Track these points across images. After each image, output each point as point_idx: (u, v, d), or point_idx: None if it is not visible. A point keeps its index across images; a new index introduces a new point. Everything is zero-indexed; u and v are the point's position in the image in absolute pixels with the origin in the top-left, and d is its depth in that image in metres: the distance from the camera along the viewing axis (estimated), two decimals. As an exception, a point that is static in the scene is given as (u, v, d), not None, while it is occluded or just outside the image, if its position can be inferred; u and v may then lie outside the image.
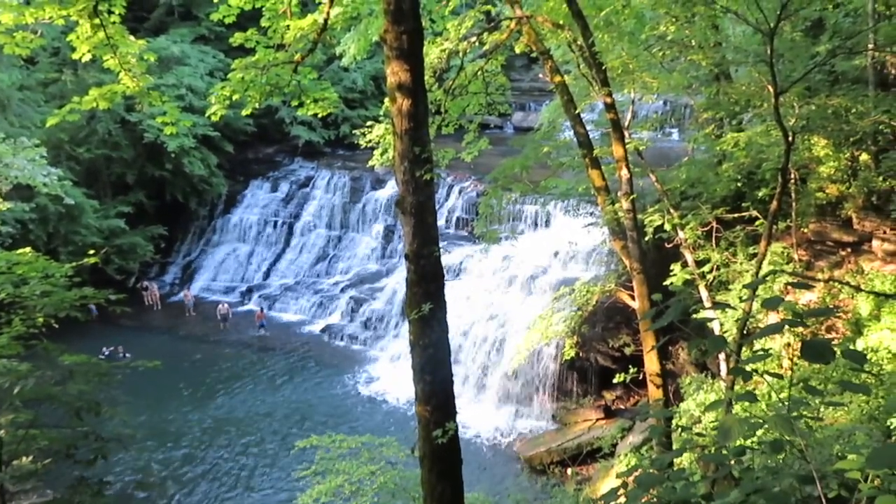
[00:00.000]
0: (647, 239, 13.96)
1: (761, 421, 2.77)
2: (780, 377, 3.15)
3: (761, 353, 2.91)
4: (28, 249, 7.96)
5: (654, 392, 11.61)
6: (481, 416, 23.09)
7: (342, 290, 32.30)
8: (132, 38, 8.88)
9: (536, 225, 28.03)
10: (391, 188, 33.95)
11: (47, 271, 7.70)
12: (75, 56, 8.67)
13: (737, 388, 9.72)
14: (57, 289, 7.67)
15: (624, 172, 11.60)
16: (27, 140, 19.36)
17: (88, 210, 30.42)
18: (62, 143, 30.34)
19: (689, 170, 15.06)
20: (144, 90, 9.04)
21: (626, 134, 12.96)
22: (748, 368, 2.88)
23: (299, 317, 32.03)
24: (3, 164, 17.79)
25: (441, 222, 29.90)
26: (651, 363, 11.66)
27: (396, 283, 30.15)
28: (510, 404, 23.77)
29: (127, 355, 26.32)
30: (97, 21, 8.32)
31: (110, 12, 8.41)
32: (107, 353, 26.19)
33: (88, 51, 8.47)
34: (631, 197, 11.61)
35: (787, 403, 2.74)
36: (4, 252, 8.00)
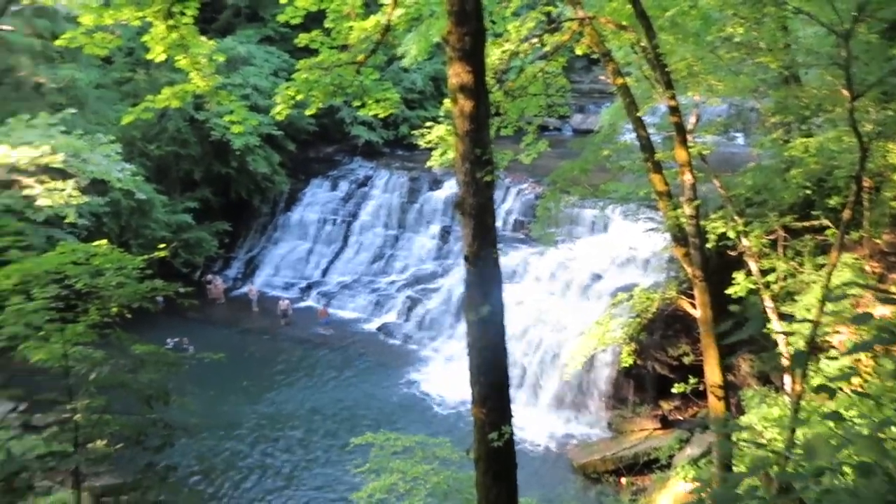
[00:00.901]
0: (709, 246, 13.63)
1: (846, 441, 2.65)
2: (868, 396, 3.03)
3: (848, 370, 2.79)
4: (104, 242, 8.32)
5: (715, 404, 11.33)
6: (535, 421, 22.95)
7: (398, 290, 32.59)
8: (203, 38, 9.20)
9: (594, 229, 27.68)
10: (448, 189, 34.07)
11: (121, 263, 8.04)
12: (150, 56, 9.02)
13: (803, 403, 9.40)
14: (130, 280, 8.00)
15: (687, 177, 11.36)
16: (103, 136, 20.20)
17: (158, 205, 31.54)
18: (135, 139, 31.53)
19: (756, 175, 14.62)
20: (213, 89, 9.34)
21: (690, 138, 12.69)
22: (832, 385, 2.77)
23: (356, 314, 32.47)
24: (82, 159, 18.59)
25: (498, 224, 29.87)
26: (712, 374, 11.39)
27: (452, 283, 30.25)
28: (564, 410, 23.56)
29: (191, 347, 27.17)
30: (171, 22, 8.64)
31: (183, 14, 8.72)
32: (171, 344, 27.05)
33: (162, 51, 8.80)
34: (694, 202, 11.37)
35: (875, 423, 2.62)
36: (82, 244, 8.39)
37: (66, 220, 19.42)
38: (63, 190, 17.93)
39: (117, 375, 7.50)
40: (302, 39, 9.86)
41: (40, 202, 17.96)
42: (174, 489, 8.31)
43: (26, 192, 17.82)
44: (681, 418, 21.79)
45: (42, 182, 17.81)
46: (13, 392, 11.21)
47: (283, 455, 22.25)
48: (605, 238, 26.60)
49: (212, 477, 21.04)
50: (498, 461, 7.38)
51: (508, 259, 27.59)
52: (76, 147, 18.44)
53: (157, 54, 8.85)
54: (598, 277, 25.19)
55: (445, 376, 25.98)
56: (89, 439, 7.37)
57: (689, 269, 11.84)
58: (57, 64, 28.02)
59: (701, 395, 15.12)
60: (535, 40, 11.76)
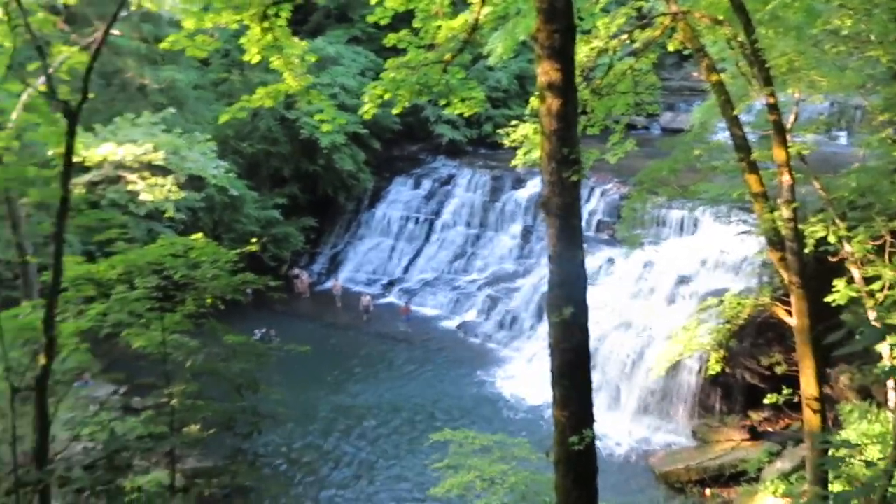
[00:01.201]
0: (807, 251, 12.97)
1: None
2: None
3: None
4: (200, 235, 8.71)
5: (811, 417, 10.77)
6: (616, 426, 22.51)
7: (479, 288, 32.65)
8: (295, 39, 9.48)
9: (682, 231, 26.88)
10: (532, 188, 33.86)
11: (216, 256, 8.40)
12: (246, 58, 9.36)
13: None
14: (223, 273, 8.34)
15: (785, 178, 10.85)
16: (200, 135, 21.11)
17: (249, 201, 32.78)
18: (228, 138, 32.85)
19: (860, 177, 13.80)
20: (304, 89, 9.60)
21: (789, 136, 12.10)
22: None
23: (436, 312, 32.73)
24: (181, 156, 19.50)
25: (582, 224, 29.37)
26: (808, 386, 10.84)
27: (533, 283, 30.04)
28: (647, 416, 23.00)
29: (277, 338, 28.12)
30: (266, 25, 8.95)
31: (277, 16, 9.01)
32: (258, 335, 28.04)
33: (258, 52, 9.12)
34: (792, 205, 10.84)
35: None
36: (180, 237, 8.82)
37: (166, 215, 20.44)
38: (163, 186, 18.87)
39: (211, 363, 7.85)
40: (390, 39, 10.01)
41: (143, 197, 18.96)
42: (260, 474, 8.63)
43: (130, 187, 18.86)
44: (771, 430, 20.88)
45: (144, 178, 18.80)
46: (116, 376, 11.94)
47: (361, 446, 22.70)
48: (694, 240, 25.78)
49: (293, 464, 21.71)
50: (578, 465, 7.27)
51: (592, 260, 27.14)
52: (176, 145, 19.38)
53: (253, 55, 9.18)
54: (685, 281, 24.44)
55: (525, 377, 25.84)
56: (184, 423, 7.75)
57: (785, 275, 11.30)
58: (159, 66, 29.55)
59: (794, 406, 14.42)
60: (624, 37, 11.50)
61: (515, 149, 13.77)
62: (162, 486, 7.68)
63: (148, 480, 7.75)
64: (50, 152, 13.71)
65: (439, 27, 9.94)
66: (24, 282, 14.65)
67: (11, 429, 7.15)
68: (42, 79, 9.35)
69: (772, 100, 10.87)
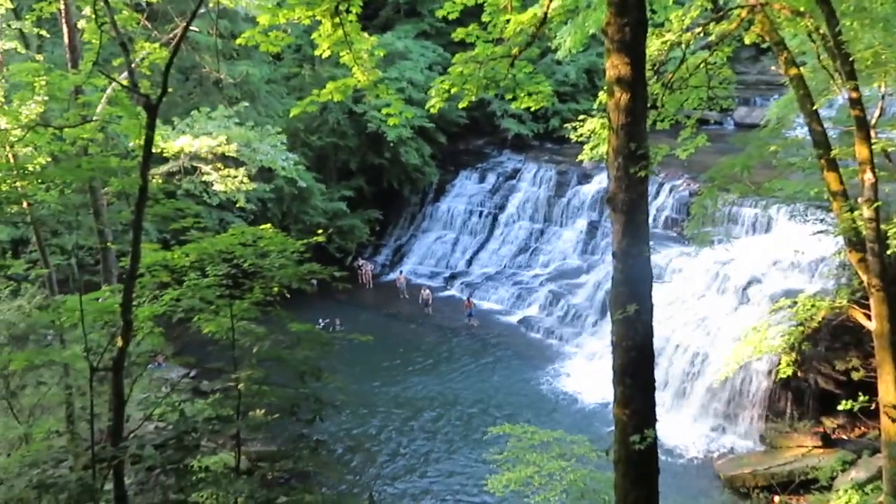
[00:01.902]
0: (889, 252, 12.33)
1: None
2: None
3: None
4: (269, 226, 8.92)
5: (889, 426, 10.27)
6: (679, 427, 21.99)
7: (541, 284, 32.41)
8: (365, 34, 9.57)
9: (755, 229, 26.00)
10: (597, 183, 33.36)
11: (283, 246, 8.58)
12: (317, 52, 9.51)
13: None
14: (290, 262, 8.52)
15: (868, 176, 10.34)
16: (271, 128, 21.66)
17: (317, 193, 33.44)
18: (298, 131, 33.55)
19: (951, 176, 13.02)
20: (373, 83, 9.69)
21: (873, 133, 11.52)
22: None
23: (498, 306, 32.67)
24: (252, 148, 20.07)
25: (649, 221, 28.77)
26: (887, 393, 10.33)
27: (597, 279, 29.64)
28: (712, 418, 22.38)
29: (342, 328, 28.61)
30: (337, 20, 9.07)
31: (348, 11, 9.12)
32: (322, 324, 28.59)
33: (328, 47, 9.25)
34: (875, 204, 10.32)
35: None
36: (249, 227, 9.05)
37: (237, 205, 21.06)
38: (235, 177, 19.47)
39: (276, 350, 8.04)
40: (458, 34, 9.98)
41: (216, 187, 19.62)
42: (320, 460, 8.80)
43: (205, 178, 19.52)
44: (846, 438, 20.00)
45: (218, 169, 19.43)
46: (187, 360, 12.39)
47: (418, 437, 22.91)
48: (767, 239, 24.91)
49: (352, 451, 22.11)
50: (639, 465, 7.14)
51: (659, 257, 26.57)
52: (248, 137, 19.95)
53: (324, 50, 9.32)
54: (756, 281, 23.63)
55: (587, 374, 25.54)
56: (249, 408, 7.97)
57: (864, 277, 10.79)
58: (234, 61, 30.42)
59: (871, 414, 13.78)
60: (698, 30, 11.16)
61: (582, 143, 13.59)
62: (227, 468, 7.93)
63: (214, 462, 8.00)
64: (130, 144, 14.31)
65: (508, 21, 9.86)
66: (103, 267, 15.36)
67: (90, 406, 7.52)
68: (125, 74, 9.74)
69: (855, 94, 10.38)
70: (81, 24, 13.93)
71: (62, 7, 14.40)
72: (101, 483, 6.72)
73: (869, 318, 10.89)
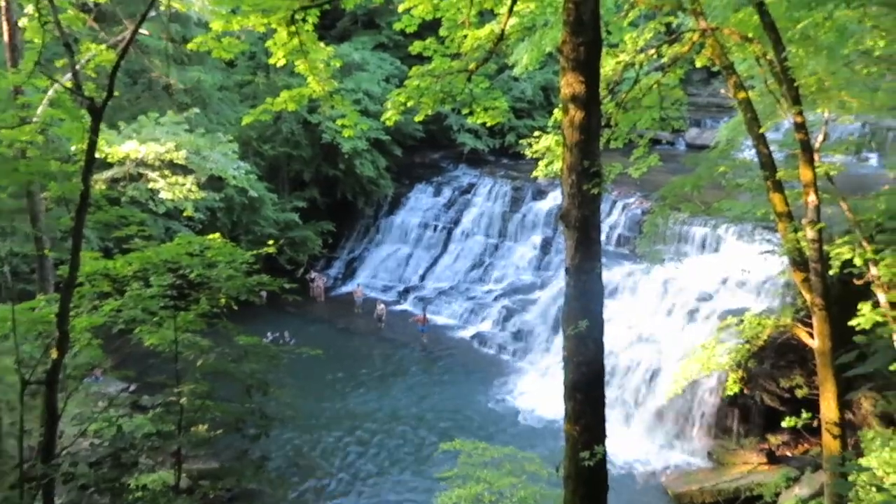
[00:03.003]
0: (832, 273, 12.78)
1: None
2: None
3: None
4: (217, 235, 8.78)
5: (830, 442, 10.58)
6: (628, 443, 22.26)
7: (495, 299, 32.53)
8: (321, 44, 9.53)
9: (704, 248, 26.60)
10: (552, 200, 33.73)
11: (232, 257, 8.45)
12: (272, 61, 9.44)
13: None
14: (239, 274, 8.39)
15: (811, 198, 10.72)
16: (223, 136, 21.37)
17: (268, 203, 32.97)
18: (251, 139, 33.12)
19: (891, 200, 13.55)
20: (328, 94, 9.65)
21: (817, 157, 11.96)
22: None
23: (451, 321, 32.64)
24: (202, 156, 19.74)
25: (602, 238, 29.27)
26: (828, 410, 10.65)
27: (550, 296, 29.87)
28: (661, 434, 22.73)
29: (291, 341, 28.22)
30: (293, 29, 9.00)
31: (305, 20, 9.07)
32: (271, 337, 28.08)
33: (283, 56, 9.18)
34: (817, 226, 10.70)
35: None
36: (197, 236, 8.87)
37: (184, 214, 20.69)
38: (183, 185, 19.10)
39: (222, 364, 7.88)
40: (416, 47, 10.04)
41: (162, 195, 19.20)
42: (266, 477, 8.62)
43: (151, 185, 19.09)
44: (790, 455, 20.53)
45: (165, 176, 19.03)
46: (126, 373, 12.03)
47: (369, 453, 22.66)
48: (716, 258, 25.52)
49: (300, 468, 21.69)
50: (589, 481, 7.19)
51: (611, 274, 26.97)
52: (198, 145, 19.62)
53: (279, 59, 9.25)
54: (706, 299, 24.18)
55: (539, 390, 25.67)
56: (192, 423, 7.77)
57: (808, 296, 11.14)
58: (186, 66, 29.91)
59: (814, 431, 14.19)
60: (652, 51, 11.45)
61: (537, 160, 13.74)
62: (166, 486, 7.70)
63: (153, 480, 7.76)
64: (73, 148, 13.89)
65: (465, 36, 9.97)
66: (39, 275, 14.86)
67: (20, 422, 7.21)
68: (69, 75, 9.47)
69: (800, 119, 10.76)
70: (23, 22, 13.52)
71: (3, 4, 13.97)
72: (29, 503, 6.44)
73: (812, 336, 11.24)
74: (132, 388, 21.78)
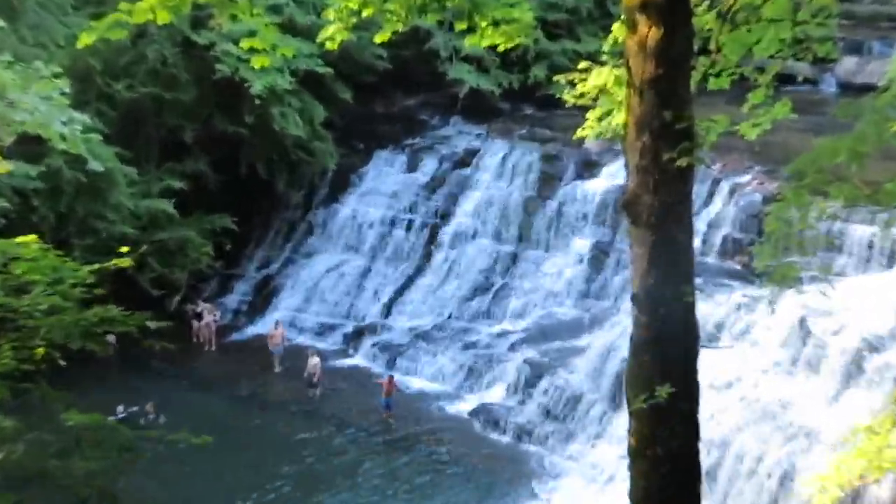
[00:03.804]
0: None
1: None
2: None
3: None
4: (33, 238, 8.75)
5: None
6: None
7: (512, 348, 32.57)
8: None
9: (870, 260, 26.82)
10: (609, 178, 33.90)
11: (57, 275, 8.42)
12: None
13: None
14: (68, 304, 8.36)
15: None
16: (43, 66, 21.26)
17: (121, 182, 32.84)
18: (93, 73, 33.00)
19: None
20: (225, -5, 9.67)
21: None
22: None
23: (436, 386, 32.66)
24: (7, 101, 19.66)
25: (696, 243, 29.07)
26: None
27: (606, 343, 29.95)
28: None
29: (161, 418, 28.07)
30: None
31: None
32: (125, 412, 27.96)
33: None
34: None
35: None
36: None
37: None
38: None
39: (38, 459, 7.84)
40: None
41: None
42: None
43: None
44: None
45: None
46: None
47: None
48: (890, 278, 25.70)
49: None
50: None
51: (711, 305, 27.10)
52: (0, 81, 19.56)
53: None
54: (876, 347, 24.31)
55: (589, 503, 25.73)
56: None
57: None
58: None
59: None
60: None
61: (584, 110, 13.82)
62: None
63: None
64: None
65: None
66: None
67: None
68: None
69: None
70: None
71: None
72: None
73: None
74: None
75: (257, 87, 33.75)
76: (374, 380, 32.04)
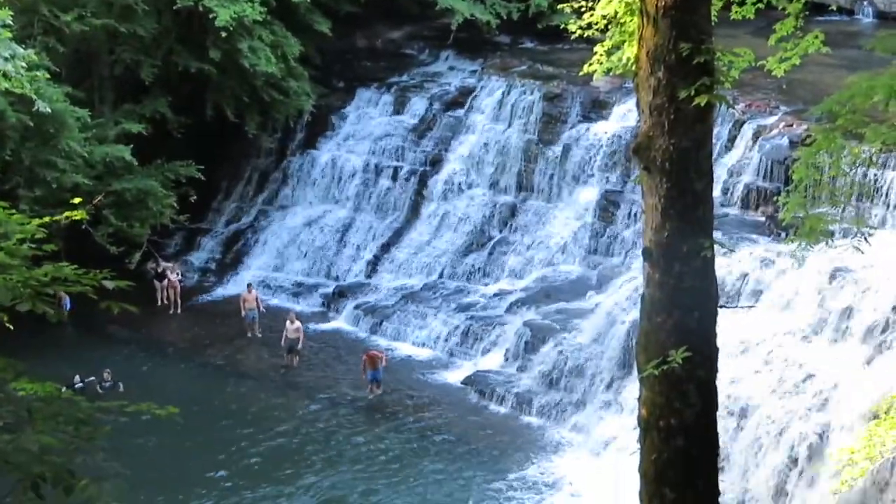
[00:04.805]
0: None
1: None
2: None
3: None
4: (-26, 189, 8.74)
5: None
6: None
7: (510, 309, 32.66)
8: None
9: (909, 214, 26.91)
10: (620, 119, 33.86)
11: (2, 229, 8.39)
12: None
13: None
14: (16, 261, 8.34)
15: None
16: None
17: (72, 126, 32.70)
18: (38, 2, 32.78)
19: None
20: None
21: None
22: None
23: (426, 352, 32.78)
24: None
25: (715, 192, 28.89)
26: None
27: (614, 303, 30.03)
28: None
29: (119, 387, 28.15)
30: None
31: None
32: (81, 382, 27.97)
33: None
34: None
35: None
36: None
37: None
38: None
39: (-17, 436, 7.86)
40: None
41: None
42: None
43: None
44: None
45: None
46: None
47: None
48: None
49: None
50: None
51: (731, 261, 27.17)
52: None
53: None
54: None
55: (596, 478, 25.89)
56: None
57: None
58: None
59: None
60: None
61: (592, 42, 13.79)
62: None
63: None
64: None
65: None
66: None
67: None
68: None
69: None
70: None
71: None
72: None
73: None
74: None
75: (223, 17, 33.52)
76: (365, 353, 31.43)
